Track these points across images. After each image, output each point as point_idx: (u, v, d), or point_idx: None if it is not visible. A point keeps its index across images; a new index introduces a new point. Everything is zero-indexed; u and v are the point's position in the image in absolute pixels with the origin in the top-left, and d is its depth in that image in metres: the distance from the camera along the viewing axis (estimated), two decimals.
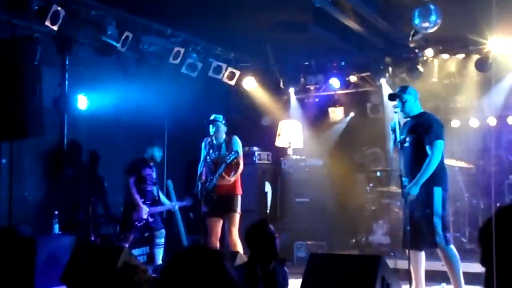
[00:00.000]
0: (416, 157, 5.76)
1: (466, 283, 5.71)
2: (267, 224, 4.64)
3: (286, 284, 4.76)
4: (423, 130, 5.77)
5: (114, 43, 8.02)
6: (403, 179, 5.72)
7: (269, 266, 4.56)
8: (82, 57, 8.51)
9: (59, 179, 8.14)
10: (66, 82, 8.14)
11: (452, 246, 5.74)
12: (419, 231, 5.72)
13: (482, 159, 9.17)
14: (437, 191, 5.72)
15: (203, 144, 7.45)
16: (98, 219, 8.58)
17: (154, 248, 8.27)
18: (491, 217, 1.53)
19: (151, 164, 8.29)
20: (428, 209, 5.69)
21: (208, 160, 7.28)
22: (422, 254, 5.88)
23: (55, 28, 7.21)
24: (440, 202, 5.71)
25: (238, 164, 7.19)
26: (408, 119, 5.95)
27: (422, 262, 5.86)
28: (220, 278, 1.59)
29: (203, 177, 7.27)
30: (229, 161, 7.01)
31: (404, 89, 6.03)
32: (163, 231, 8.33)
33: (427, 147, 5.71)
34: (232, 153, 7.05)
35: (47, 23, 7.06)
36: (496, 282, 1.40)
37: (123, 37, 8.12)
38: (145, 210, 7.96)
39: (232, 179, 7.16)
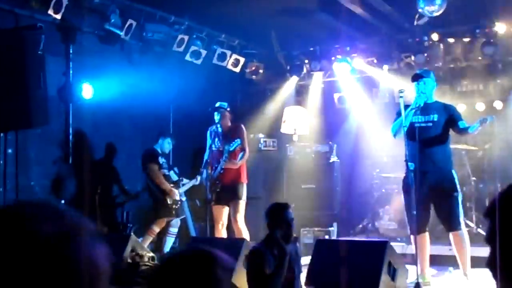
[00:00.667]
0: (440, 138, 5.76)
1: (474, 266, 5.71)
2: (288, 208, 4.67)
3: (299, 259, 4.83)
4: (449, 112, 5.87)
5: (118, 32, 8.00)
6: (409, 164, 5.71)
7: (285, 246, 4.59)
8: (86, 46, 8.48)
9: (65, 169, 8.15)
10: (71, 71, 8.10)
11: (465, 230, 5.80)
12: (441, 214, 5.77)
13: (489, 143, 9.11)
14: (455, 174, 5.81)
15: (208, 132, 7.44)
16: (105, 208, 8.59)
17: (165, 236, 8.33)
18: (502, 192, 1.49)
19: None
20: (452, 191, 5.72)
21: (214, 148, 7.28)
22: (427, 235, 5.91)
23: (58, 17, 7.18)
24: (458, 184, 5.78)
25: (243, 150, 7.16)
26: (421, 104, 5.88)
27: (428, 244, 5.90)
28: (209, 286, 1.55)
29: (209, 165, 7.27)
30: (231, 148, 6.99)
31: (427, 72, 6.05)
32: (179, 220, 8.43)
33: (461, 123, 5.81)
34: (235, 141, 7.02)
35: (50, 11, 7.03)
36: (499, 262, 1.37)
37: (126, 25, 8.08)
38: (176, 192, 8.16)
39: (239, 162, 7.14)
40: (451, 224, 5.74)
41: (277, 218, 4.60)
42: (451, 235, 5.79)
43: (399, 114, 5.89)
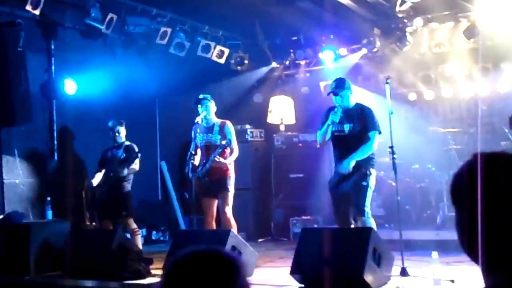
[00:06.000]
0: (357, 144, 6.05)
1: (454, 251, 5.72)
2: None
3: None
4: (363, 121, 6.11)
5: (99, 26, 7.94)
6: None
7: None
8: (67, 41, 8.43)
9: (50, 165, 8.12)
10: (53, 67, 8.07)
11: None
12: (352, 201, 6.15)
13: (474, 126, 9.15)
14: (370, 173, 6.08)
15: (193, 132, 7.31)
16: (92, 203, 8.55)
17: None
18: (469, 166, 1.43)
19: None
20: (360, 182, 5.99)
21: (199, 143, 7.19)
22: None
23: (37, 12, 7.12)
24: (369, 178, 6.04)
25: (232, 149, 7.09)
26: (336, 120, 6.13)
27: None
28: None
29: (195, 158, 7.20)
30: (221, 150, 6.92)
31: (342, 84, 6.18)
32: None
33: (369, 134, 6.07)
34: (224, 142, 6.92)
35: (28, 7, 6.96)
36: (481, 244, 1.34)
37: (107, 19, 8.03)
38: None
39: (228, 161, 7.08)
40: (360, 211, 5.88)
41: None
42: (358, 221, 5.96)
43: (322, 123, 6.16)
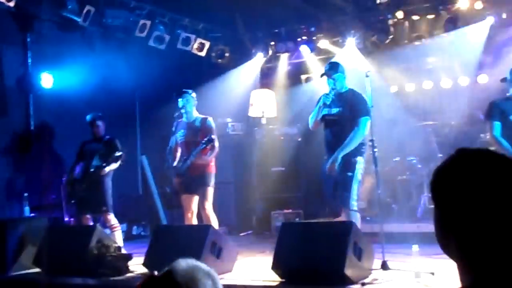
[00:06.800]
0: (347, 128, 6.04)
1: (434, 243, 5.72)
2: None
3: None
4: (352, 106, 6.10)
5: (76, 18, 7.81)
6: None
7: None
8: (44, 34, 8.29)
9: (27, 160, 7.99)
10: (29, 61, 7.94)
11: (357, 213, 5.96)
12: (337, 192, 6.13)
13: (455, 119, 9.17)
14: (360, 161, 6.07)
15: (173, 128, 7.21)
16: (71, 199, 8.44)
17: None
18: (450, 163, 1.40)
19: None
20: (347, 172, 5.97)
21: (179, 139, 7.11)
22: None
23: (11, 4, 6.97)
24: (359, 169, 6.03)
25: (213, 146, 7.01)
26: (327, 102, 6.13)
27: None
28: None
29: (177, 153, 7.13)
30: (202, 147, 6.85)
31: (336, 67, 6.19)
32: None
33: (357, 121, 6.02)
34: (206, 140, 6.84)
35: None
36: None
37: (84, 12, 7.89)
38: None
39: (209, 158, 7.01)
40: (344, 202, 5.83)
41: None
42: (343, 213, 5.91)
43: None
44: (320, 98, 6.22)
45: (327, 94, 6.09)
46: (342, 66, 6.27)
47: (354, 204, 5.85)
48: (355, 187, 5.88)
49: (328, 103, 6.04)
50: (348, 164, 5.90)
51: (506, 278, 1.25)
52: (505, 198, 1.26)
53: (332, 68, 6.17)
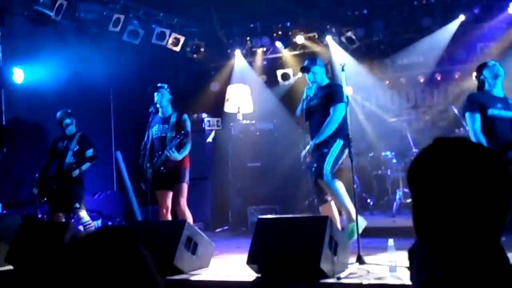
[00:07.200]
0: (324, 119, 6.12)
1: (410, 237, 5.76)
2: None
3: None
4: (325, 96, 6.19)
5: (48, 12, 7.68)
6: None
7: None
8: (16, 28, 8.14)
9: None
10: (0, 55, 7.78)
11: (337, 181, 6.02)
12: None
13: (429, 114, 9.25)
14: (338, 142, 6.08)
15: (148, 123, 7.14)
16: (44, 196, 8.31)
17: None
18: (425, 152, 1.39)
19: None
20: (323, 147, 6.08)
21: (154, 135, 7.04)
22: (331, 204, 6.15)
23: None
24: (334, 145, 6.08)
25: (185, 143, 6.96)
26: (310, 95, 6.24)
27: (334, 211, 6.16)
28: (133, 259, 1.40)
29: (151, 149, 7.06)
30: (177, 141, 6.79)
31: (313, 61, 6.28)
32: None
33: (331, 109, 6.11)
34: (181, 133, 6.78)
35: None
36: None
37: (56, 5, 7.77)
38: None
39: (181, 156, 6.96)
40: (317, 174, 5.96)
41: None
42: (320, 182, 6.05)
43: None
44: (304, 92, 6.35)
45: (309, 88, 6.23)
46: (320, 60, 6.41)
47: (329, 175, 5.93)
48: (329, 160, 5.95)
49: (311, 95, 6.20)
50: (324, 143, 6.01)
51: (478, 266, 1.25)
52: (480, 185, 1.27)
53: (310, 62, 6.31)
